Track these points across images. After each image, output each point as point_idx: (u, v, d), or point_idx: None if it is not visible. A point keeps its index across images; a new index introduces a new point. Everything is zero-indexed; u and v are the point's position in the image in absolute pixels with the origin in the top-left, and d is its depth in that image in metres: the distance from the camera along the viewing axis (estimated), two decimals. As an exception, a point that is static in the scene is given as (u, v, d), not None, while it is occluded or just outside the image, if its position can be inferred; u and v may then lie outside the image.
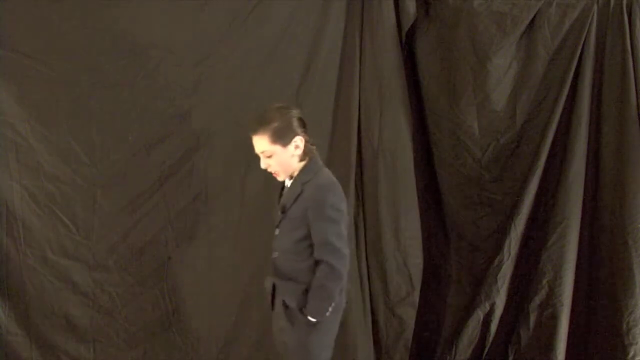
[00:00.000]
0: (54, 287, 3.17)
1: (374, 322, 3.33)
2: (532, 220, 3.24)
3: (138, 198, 3.18)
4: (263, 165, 2.53)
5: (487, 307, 3.26)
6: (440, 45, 3.26)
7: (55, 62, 3.07)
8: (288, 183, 2.59)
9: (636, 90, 3.08)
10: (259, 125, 2.48)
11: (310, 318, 2.49)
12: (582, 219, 3.20)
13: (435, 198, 3.40)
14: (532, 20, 3.14)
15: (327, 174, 2.54)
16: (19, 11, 3.03)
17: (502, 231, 3.25)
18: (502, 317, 3.28)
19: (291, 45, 3.20)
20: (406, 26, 3.19)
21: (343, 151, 3.27)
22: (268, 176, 3.27)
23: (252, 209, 3.23)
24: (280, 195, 2.64)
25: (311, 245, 2.51)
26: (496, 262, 3.24)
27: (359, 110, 3.25)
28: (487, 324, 3.27)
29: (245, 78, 3.19)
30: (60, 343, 3.19)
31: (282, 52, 3.20)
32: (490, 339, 3.29)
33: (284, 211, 2.54)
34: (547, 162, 3.19)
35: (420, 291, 3.31)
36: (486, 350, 3.30)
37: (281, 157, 2.50)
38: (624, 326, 3.14)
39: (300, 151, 2.51)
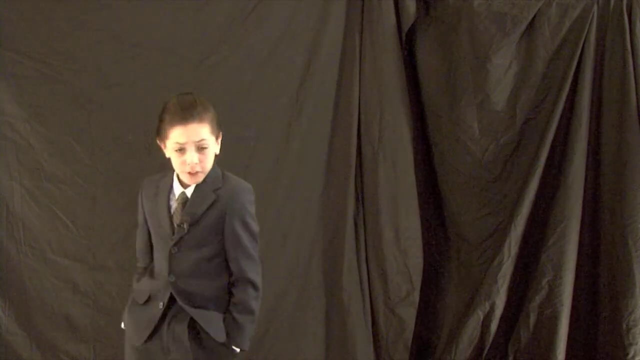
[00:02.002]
0: (54, 287, 3.17)
1: (374, 322, 3.33)
2: (532, 220, 3.23)
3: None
4: (190, 160, 2.14)
5: (487, 307, 3.25)
6: (440, 45, 3.26)
7: (55, 62, 3.07)
8: (189, 192, 2.23)
9: (636, 90, 3.07)
10: (202, 110, 2.15)
11: (236, 349, 2.23)
12: (582, 219, 3.19)
13: (435, 198, 3.40)
14: (532, 20, 3.13)
15: (236, 177, 2.29)
16: (19, 11, 3.03)
17: (502, 231, 3.25)
18: (502, 317, 3.28)
19: (291, 45, 3.20)
20: (406, 26, 3.19)
21: (343, 151, 3.27)
22: (269, 175, 3.29)
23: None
24: (169, 207, 2.24)
25: (220, 264, 2.24)
26: (496, 262, 3.23)
27: (359, 110, 3.25)
28: (487, 324, 3.27)
29: (245, 78, 3.19)
30: (60, 343, 3.19)
31: (282, 52, 3.20)
32: (490, 339, 3.28)
33: (192, 224, 2.19)
34: (547, 162, 3.19)
35: (420, 291, 3.31)
36: (486, 350, 3.30)
37: (211, 153, 2.20)
38: (624, 326, 3.14)
39: (218, 150, 2.24)
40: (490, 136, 3.24)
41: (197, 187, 2.22)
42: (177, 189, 2.25)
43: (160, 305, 2.22)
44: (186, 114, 2.13)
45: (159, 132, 2.20)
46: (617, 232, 3.14)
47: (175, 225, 2.22)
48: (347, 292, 3.28)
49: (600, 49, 3.13)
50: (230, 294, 2.26)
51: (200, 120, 2.14)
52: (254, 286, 2.25)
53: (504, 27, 3.12)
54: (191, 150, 2.15)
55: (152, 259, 2.33)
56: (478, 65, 3.17)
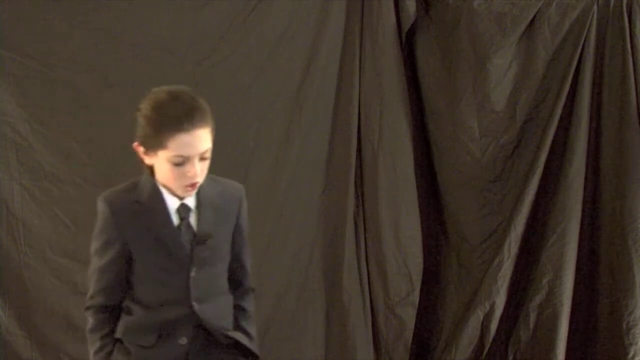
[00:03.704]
0: (54, 287, 3.17)
1: (374, 322, 3.33)
2: (532, 220, 3.23)
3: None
4: (194, 173, 1.78)
5: (487, 307, 3.25)
6: (440, 45, 3.26)
7: (55, 62, 3.07)
8: (190, 203, 1.88)
9: (636, 90, 3.07)
10: (205, 111, 1.78)
11: None
12: (582, 219, 3.20)
13: (435, 198, 3.40)
14: (532, 20, 3.13)
15: (219, 177, 2.00)
16: (19, 11, 3.03)
17: (502, 231, 3.25)
18: (502, 317, 3.28)
19: (291, 45, 3.20)
20: (406, 26, 3.19)
21: (343, 151, 3.27)
22: (269, 175, 3.29)
23: (252, 208, 3.22)
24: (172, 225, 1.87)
25: (226, 277, 2.00)
26: (496, 262, 3.23)
27: (359, 110, 3.25)
28: (487, 324, 3.26)
29: (246, 78, 3.19)
30: (60, 343, 3.19)
31: (282, 52, 3.20)
32: (490, 339, 3.28)
33: (205, 240, 1.88)
34: (547, 162, 3.19)
35: (420, 291, 3.31)
36: (486, 350, 3.30)
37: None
38: (624, 326, 3.14)
39: None
40: (490, 136, 3.24)
41: (199, 195, 1.89)
42: (173, 202, 1.86)
43: (183, 340, 1.88)
44: (191, 119, 1.73)
45: (147, 140, 1.78)
46: (617, 232, 3.14)
47: (188, 245, 1.86)
48: (347, 292, 3.28)
49: (600, 49, 3.13)
50: (239, 307, 2.03)
51: (205, 124, 1.77)
52: (253, 292, 2.10)
53: (504, 27, 3.12)
54: (194, 161, 1.77)
55: (123, 295, 1.94)
56: (478, 65, 3.17)
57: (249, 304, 2.05)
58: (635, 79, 3.07)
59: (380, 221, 3.27)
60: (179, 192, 1.84)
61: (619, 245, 3.14)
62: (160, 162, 1.79)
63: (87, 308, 1.96)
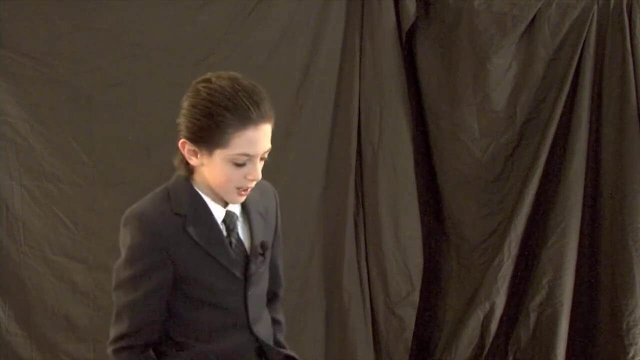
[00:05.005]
0: (54, 287, 3.17)
1: (374, 322, 3.33)
2: (532, 220, 3.23)
3: (138, 198, 3.17)
4: (255, 175, 1.57)
5: (487, 307, 3.25)
6: (440, 45, 3.25)
7: (55, 62, 3.07)
8: (234, 209, 1.64)
9: (636, 90, 3.07)
10: (270, 104, 1.54)
11: None
12: (582, 219, 3.20)
13: (435, 198, 3.40)
14: (532, 20, 3.13)
15: None
16: (19, 11, 3.03)
17: (502, 231, 3.25)
18: (502, 317, 3.28)
19: (291, 45, 3.20)
20: (406, 26, 3.19)
21: (343, 151, 3.27)
22: (269, 175, 3.26)
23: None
24: (216, 233, 1.60)
25: None
26: (496, 262, 3.23)
27: (359, 110, 3.25)
28: (487, 324, 3.27)
29: (245, 78, 3.19)
30: (60, 343, 3.19)
31: (282, 52, 3.20)
32: (490, 339, 3.28)
33: (262, 253, 1.63)
34: (547, 162, 3.19)
35: (420, 291, 3.31)
36: (486, 350, 3.30)
37: None
38: (624, 326, 3.14)
39: None
40: (490, 136, 3.24)
41: (249, 198, 1.66)
42: (218, 210, 1.60)
43: None
44: (260, 111, 1.48)
45: (203, 136, 1.50)
46: (617, 232, 3.14)
47: (242, 259, 1.61)
48: (347, 292, 3.28)
49: (600, 49, 3.13)
50: (275, 320, 1.81)
51: (272, 118, 1.54)
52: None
53: (504, 27, 3.12)
54: (256, 161, 1.55)
55: (163, 327, 1.65)
56: (478, 65, 3.17)
57: (282, 315, 1.85)
58: (635, 79, 3.07)
59: (380, 221, 3.27)
60: (229, 197, 1.58)
61: (619, 245, 3.14)
62: (214, 162, 1.52)
63: (120, 349, 1.63)
